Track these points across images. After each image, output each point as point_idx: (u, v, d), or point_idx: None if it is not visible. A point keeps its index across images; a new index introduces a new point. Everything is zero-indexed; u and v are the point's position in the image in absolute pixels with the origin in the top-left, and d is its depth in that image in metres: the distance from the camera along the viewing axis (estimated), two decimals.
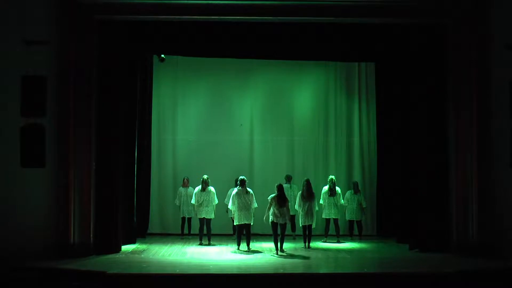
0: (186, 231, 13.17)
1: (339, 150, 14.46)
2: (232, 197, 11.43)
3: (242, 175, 11.75)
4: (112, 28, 10.96)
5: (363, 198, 13.32)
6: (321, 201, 12.65)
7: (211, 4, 10.59)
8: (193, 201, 12.15)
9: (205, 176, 12.05)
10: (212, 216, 12.10)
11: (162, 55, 13.13)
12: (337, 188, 12.73)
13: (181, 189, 13.22)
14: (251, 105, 14.45)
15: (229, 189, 12.59)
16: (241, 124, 14.38)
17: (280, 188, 10.93)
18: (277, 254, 10.75)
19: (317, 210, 12.25)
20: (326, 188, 12.70)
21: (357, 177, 14.15)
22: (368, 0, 10.68)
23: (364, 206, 13.25)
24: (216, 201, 12.12)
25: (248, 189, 11.43)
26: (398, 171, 12.68)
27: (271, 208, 10.82)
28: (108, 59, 10.91)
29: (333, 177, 12.80)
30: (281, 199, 10.79)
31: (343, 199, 12.97)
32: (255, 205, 11.41)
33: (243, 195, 11.29)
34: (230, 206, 11.55)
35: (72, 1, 10.40)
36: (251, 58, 13.37)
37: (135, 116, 12.31)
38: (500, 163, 10.47)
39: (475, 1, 10.70)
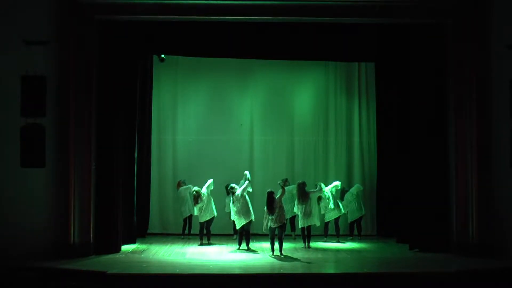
0: (186, 231, 13.17)
1: (339, 150, 14.45)
2: (231, 207, 11.52)
3: (232, 183, 11.81)
4: (112, 28, 10.96)
5: (355, 191, 13.18)
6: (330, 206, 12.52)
7: (211, 4, 10.59)
8: (195, 213, 12.22)
9: (196, 188, 12.09)
10: (214, 214, 12.19)
11: (162, 55, 13.13)
12: (325, 192, 12.45)
13: (180, 189, 13.18)
14: (251, 105, 14.45)
15: (226, 195, 12.60)
16: (241, 124, 14.38)
17: (267, 196, 10.83)
18: (272, 255, 10.72)
19: (323, 213, 12.36)
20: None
21: (357, 177, 14.16)
22: (369, 0, 10.68)
23: (361, 189, 13.19)
24: (213, 202, 12.21)
25: (236, 192, 11.37)
26: (398, 171, 12.67)
27: (267, 217, 10.84)
28: (108, 59, 10.91)
29: (319, 184, 12.49)
30: (268, 208, 10.75)
31: (332, 200, 12.67)
32: (250, 189, 11.41)
33: (237, 201, 11.33)
34: (232, 216, 11.61)
35: (72, 1, 10.39)
36: (251, 58, 13.36)
37: (135, 116, 12.32)
38: (500, 163, 10.46)
39: (475, 1, 10.69)
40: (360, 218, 13.23)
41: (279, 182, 11.65)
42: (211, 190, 12.18)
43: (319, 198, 12.28)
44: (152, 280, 8.85)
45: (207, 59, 13.47)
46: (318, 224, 12.15)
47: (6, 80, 10.18)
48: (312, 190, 12.13)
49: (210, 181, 12.15)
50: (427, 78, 11.28)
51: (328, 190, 12.53)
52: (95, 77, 10.71)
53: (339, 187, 12.90)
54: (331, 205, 12.44)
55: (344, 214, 13.02)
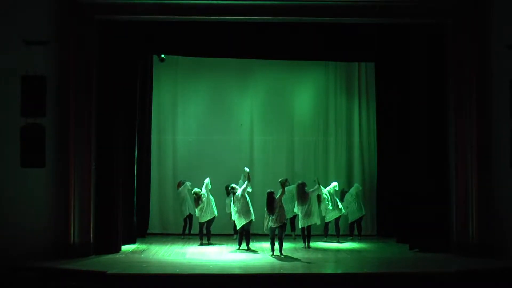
0: (186, 231, 13.17)
1: (339, 150, 14.45)
2: (231, 207, 11.55)
3: (232, 183, 11.87)
4: (112, 28, 10.96)
5: (354, 191, 13.17)
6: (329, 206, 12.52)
7: (211, 4, 10.59)
8: (197, 214, 12.21)
9: (196, 190, 12.10)
10: (214, 214, 12.19)
11: (162, 55, 13.12)
12: (324, 194, 12.42)
13: (179, 189, 13.19)
14: (251, 105, 14.44)
15: (226, 196, 12.65)
16: (241, 124, 14.38)
17: (267, 196, 10.84)
18: (272, 255, 10.72)
19: (323, 216, 12.39)
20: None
21: (357, 177, 14.15)
22: (368, 0, 10.68)
23: (360, 189, 13.21)
24: (213, 200, 12.20)
25: (236, 191, 11.42)
26: (398, 171, 12.67)
27: (267, 217, 10.84)
28: (108, 59, 10.91)
29: (317, 181, 12.37)
30: (268, 208, 10.77)
31: (330, 201, 12.60)
32: (249, 189, 11.41)
33: (237, 201, 11.34)
34: (233, 216, 11.63)
35: (72, 1, 10.40)
36: (251, 58, 13.36)
37: (135, 116, 12.32)
38: (500, 163, 10.46)
39: (475, 1, 10.70)
40: (361, 218, 13.20)
41: (280, 179, 11.57)
42: (210, 189, 12.17)
43: (319, 198, 12.25)
44: (152, 280, 8.85)
45: (207, 59, 13.46)
46: (318, 222, 12.14)
47: (6, 80, 10.18)
48: (311, 189, 12.13)
49: (207, 180, 12.13)
50: (427, 78, 11.28)
51: (327, 191, 12.53)
52: (95, 77, 10.71)
53: (337, 188, 12.88)
54: (330, 206, 12.45)
55: (344, 214, 13.02)
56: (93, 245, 10.56)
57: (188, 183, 12.85)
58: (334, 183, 12.87)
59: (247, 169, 11.65)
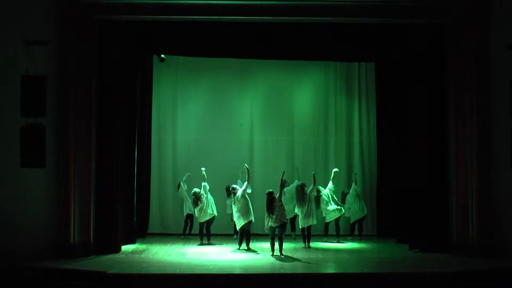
0: (187, 231, 13.17)
1: (339, 150, 14.45)
2: (232, 208, 11.56)
3: (232, 184, 11.88)
4: (112, 28, 10.96)
5: (354, 191, 13.15)
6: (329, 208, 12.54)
7: (211, 4, 10.59)
8: (196, 214, 12.22)
9: (195, 190, 12.09)
10: (214, 214, 12.19)
11: (162, 55, 13.13)
12: (323, 196, 12.45)
13: (178, 191, 13.21)
14: (251, 105, 14.45)
15: (227, 197, 12.68)
16: (241, 124, 14.38)
17: (267, 196, 10.80)
18: (272, 255, 10.71)
19: (324, 216, 12.42)
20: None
21: (357, 177, 14.12)
22: (368, 0, 10.68)
23: (359, 190, 13.20)
24: (212, 200, 12.19)
25: (236, 192, 11.41)
26: (398, 171, 12.68)
27: (268, 217, 10.84)
28: (108, 59, 10.91)
29: (319, 187, 12.46)
30: (268, 208, 10.75)
31: (330, 202, 12.63)
32: (249, 190, 11.38)
33: (237, 202, 11.34)
34: (234, 217, 11.61)
35: (72, 1, 10.39)
36: (251, 58, 13.37)
37: (135, 116, 12.32)
38: (500, 163, 10.46)
39: (475, 1, 10.69)
40: (363, 218, 13.19)
41: (282, 176, 11.37)
42: (209, 190, 12.16)
43: (318, 200, 12.21)
44: (152, 280, 8.85)
45: (207, 59, 13.48)
46: (315, 222, 12.11)
47: (6, 80, 10.18)
48: (309, 189, 12.09)
49: (204, 184, 12.11)
50: (427, 78, 11.28)
51: (326, 192, 12.51)
52: (95, 77, 10.71)
53: (334, 188, 12.79)
54: (329, 207, 12.45)
55: (346, 215, 13.01)
56: (93, 245, 10.55)
57: (183, 184, 12.82)
58: (334, 171, 12.81)
59: (246, 166, 11.63)
